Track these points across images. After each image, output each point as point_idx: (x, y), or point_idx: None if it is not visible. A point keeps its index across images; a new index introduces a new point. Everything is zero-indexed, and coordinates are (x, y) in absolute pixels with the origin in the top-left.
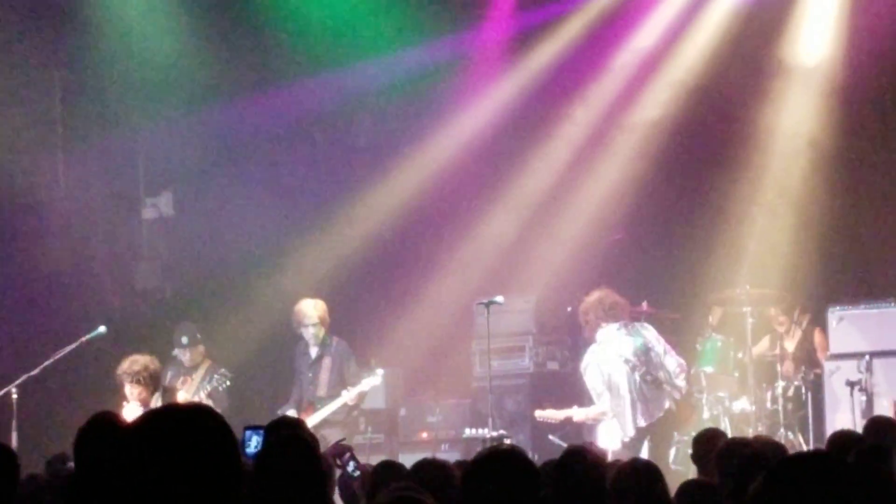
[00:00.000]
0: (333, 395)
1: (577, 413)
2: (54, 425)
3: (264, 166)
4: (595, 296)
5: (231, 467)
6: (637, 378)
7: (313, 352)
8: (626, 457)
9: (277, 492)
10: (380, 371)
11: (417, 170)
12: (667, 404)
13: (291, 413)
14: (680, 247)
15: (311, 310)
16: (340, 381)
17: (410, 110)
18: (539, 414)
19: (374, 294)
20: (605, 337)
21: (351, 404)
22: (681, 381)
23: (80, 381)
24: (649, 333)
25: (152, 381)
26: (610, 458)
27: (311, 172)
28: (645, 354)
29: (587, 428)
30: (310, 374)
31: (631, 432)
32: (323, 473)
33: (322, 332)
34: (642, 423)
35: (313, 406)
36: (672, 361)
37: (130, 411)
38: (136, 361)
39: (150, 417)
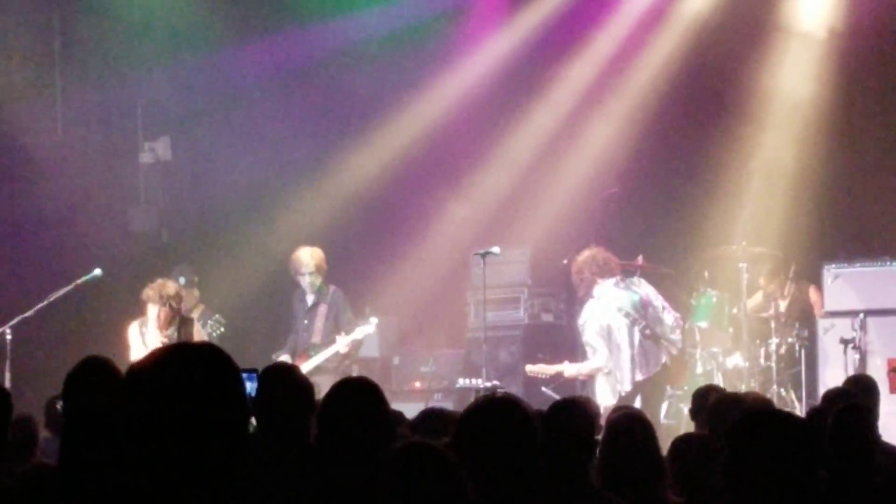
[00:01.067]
0: (328, 342)
1: (568, 368)
2: (48, 367)
3: (263, 113)
4: (586, 254)
5: (240, 407)
6: (637, 332)
7: (309, 299)
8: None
9: (274, 433)
10: (374, 320)
11: (415, 120)
12: (664, 359)
13: (285, 359)
14: (675, 202)
15: (308, 258)
16: (335, 329)
17: (408, 61)
18: (529, 369)
19: (370, 243)
20: (602, 292)
21: (344, 352)
22: (676, 337)
23: (75, 323)
24: (647, 288)
25: (177, 308)
26: (603, 413)
27: (308, 119)
28: (644, 309)
29: (581, 381)
30: (305, 322)
31: (628, 387)
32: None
33: (318, 281)
34: (640, 377)
35: (307, 353)
36: (669, 317)
37: (137, 353)
38: (166, 285)
39: (161, 354)
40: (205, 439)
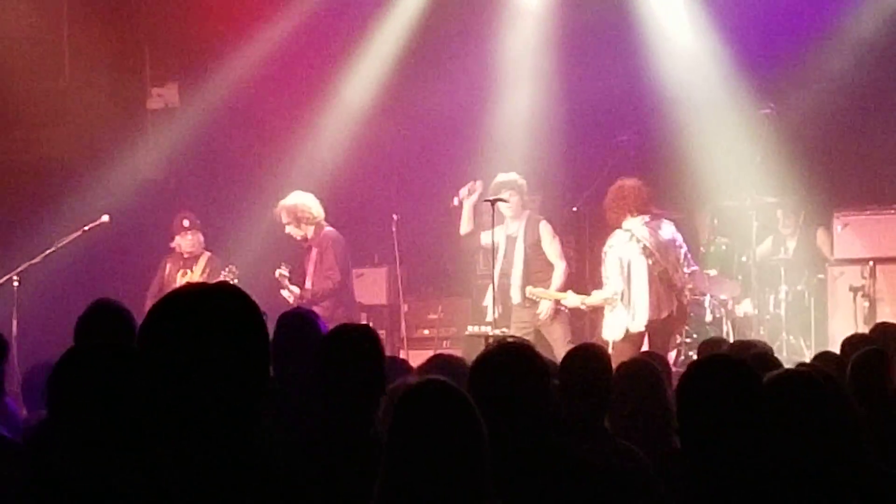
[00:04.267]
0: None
1: (571, 298)
2: (55, 314)
3: (276, 53)
4: (634, 181)
5: (264, 346)
6: (656, 273)
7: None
8: (627, 350)
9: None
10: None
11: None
12: (675, 304)
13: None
14: (687, 148)
15: (283, 213)
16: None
17: None
18: (531, 291)
19: (378, 190)
20: (631, 226)
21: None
22: (687, 291)
23: (83, 269)
24: (675, 234)
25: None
26: (610, 350)
27: (327, 65)
28: (666, 251)
29: (589, 317)
30: (301, 268)
31: (642, 322)
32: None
33: (299, 231)
34: (652, 316)
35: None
36: (688, 268)
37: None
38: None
39: (178, 294)
40: (230, 380)
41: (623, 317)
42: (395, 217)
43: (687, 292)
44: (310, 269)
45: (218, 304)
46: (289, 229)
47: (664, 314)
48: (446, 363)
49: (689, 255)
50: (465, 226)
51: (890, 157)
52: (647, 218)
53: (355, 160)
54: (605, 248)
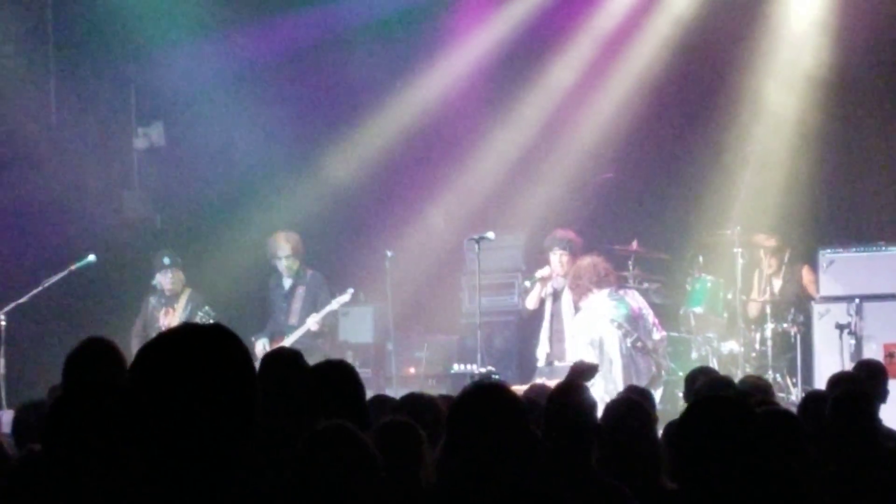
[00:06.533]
0: (304, 324)
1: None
2: (43, 353)
3: (257, 98)
4: (588, 260)
5: (250, 391)
6: (629, 343)
7: (287, 283)
8: None
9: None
10: (350, 290)
11: (408, 106)
12: (653, 370)
13: (263, 343)
14: (670, 187)
15: (284, 241)
16: (313, 310)
17: (399, 48)
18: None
19: (364, 229)
20: (594, 303)
21: (315, 330)
22: (662, 352)
23: (69, 309)
24: (640, 301)
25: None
26: None
27: (302, 106)
28: (635, 321)
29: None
30: (284, 305)
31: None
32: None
33: (296, 265)
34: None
35: (283, 335)
36: (658, 334)
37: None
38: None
39: (171, 334)
40: (213, 421)
41: (602, 393)
42: (388, 254)
43: (663, 355)
44: (296, 305)
45: (206, 347)
46: (285, 262)
47: (645, 380)
48: (415, 402)
49: (657, 321)
50: (532, 303)
51: (873, 193)
52: (609, 291)
53: (339, 198)
54: (571, 335)
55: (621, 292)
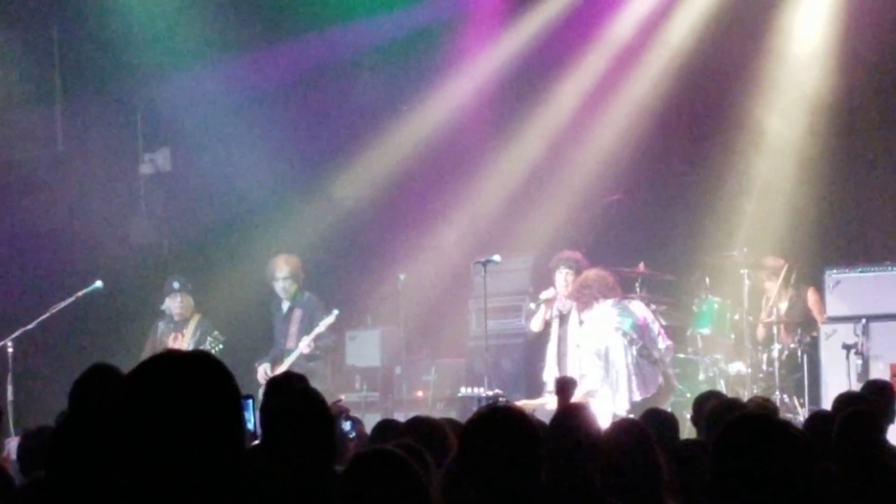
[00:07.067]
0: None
1: (550, 401)
2: (50, 380)
3: (263, 123)
4: (596, 271)
5: (237, 419)
6: (634, 352)
7: (285, 306)
8: None
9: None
10: (335, 311)
11: (415, 129)
12: (660, 380)
13: (265, 367)
14: (677, 209)
15: (283, 263)
16: (310, 333)
17: (409, 70)
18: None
19: (371, 253)
20: (599, 313)
21: (306, 353)
22: (668, 361)
23: (77, 335)
24: (644, 311)
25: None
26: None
27: (309, 130)
28: (641, 330)
29: None
30: (283, 328)
31: (625, 406)
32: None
33: (294, 287)
34: (638, 397)
35: (282, 359)
36: (663, 343)
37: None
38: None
39: (155, 361)
40: (196, 451)
41: (608, 403)
42: (401, 277)
43: (670, 364)
44: (293, 328)
45: (187, 375)
46: (282, 283)
47: (653, 389)
48: (421, 426)
49: (662, 330)
50: (537, 325)
51: (879, 213)
52: (614, 301)
53: (346, 222)
54: (576, 344)
55: (626, 302)
